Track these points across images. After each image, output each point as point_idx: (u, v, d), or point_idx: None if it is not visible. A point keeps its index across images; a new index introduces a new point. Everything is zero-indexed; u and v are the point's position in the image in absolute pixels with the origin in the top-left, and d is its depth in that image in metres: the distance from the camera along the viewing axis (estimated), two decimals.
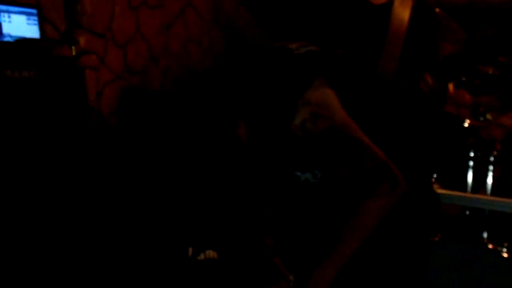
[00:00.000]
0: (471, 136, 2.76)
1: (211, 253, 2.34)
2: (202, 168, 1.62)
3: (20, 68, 2.27)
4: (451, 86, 2.71)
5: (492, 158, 2.71)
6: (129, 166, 3.12)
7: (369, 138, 1.41)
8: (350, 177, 1.39)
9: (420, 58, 2.17)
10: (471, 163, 2.74)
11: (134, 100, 3.29)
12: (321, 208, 1.60)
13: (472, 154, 2.74)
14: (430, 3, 2.23)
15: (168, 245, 2.84)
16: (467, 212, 2.83)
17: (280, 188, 1.68)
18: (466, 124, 2.76)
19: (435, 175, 2.70)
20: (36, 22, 2.55)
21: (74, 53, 2.67)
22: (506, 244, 2.49)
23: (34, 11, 2.54)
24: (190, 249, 2.26)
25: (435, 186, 2.63)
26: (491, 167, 2.70)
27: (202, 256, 2.31)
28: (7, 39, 2.42)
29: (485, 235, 2.68)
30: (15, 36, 2.44)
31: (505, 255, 2.45)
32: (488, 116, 2.77)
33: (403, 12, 2.02)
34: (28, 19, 2.51)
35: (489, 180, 2.71)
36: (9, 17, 2.44)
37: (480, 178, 2.74)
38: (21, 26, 2.48)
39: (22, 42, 2.41)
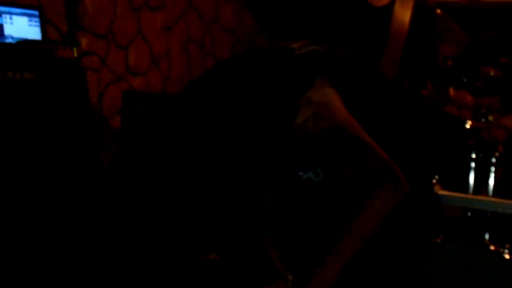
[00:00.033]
0: (472, 138, 2.76)
1: (211, 254, 2.35)
2: (202, 170, 1.61)
3: (22, 69, 2.27)
4: (451, 90, 2.71)
5: (493, 160, 2.70)
6: (130, 168, 3.12)
7: (371, 138, 1.40)
8: (352, 177, 1.39)
9: (420, 60, 2.17)
10: (472, 164, 2.74)
11: (135, 102, 3.29)
12: (323, 207, 1.60)
13: (474, 156, 2.74)
14: (430, 5, 2.23)
15: (169, 245, 2.84)
16: (469, 214, 2.83)
17: (282, 187, 1.67)
18: (467, 126, 2.75)
19: (436, 177, 2.70)
20: (37, 23, 2.55)
21: (75, 54, 2.67)
22: (508, 246, 2.49)
23: (35, 12, 2.55)
24: (192, 250, 2.26)
25: (437, 188, 2.63)
26: (492, 169, 2.70)
27: (203, 257, 2.32)
28: (8, 40, 2.42)
29: (487, 236, 2.68)
30: (16, 38, 2.44)
31: (507, 256, 2.44)
32: (490, 118, 2.76)
33: (403, 14, 2.02)
34: (30, 21, 2.52)
35: (491, 181, 2.71)
36: (10, 18, 2.44)
37: (482, 179, 2.74)
38: (23, 27, 2.49)
39: (24, 43, 2.41)
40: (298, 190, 1.61)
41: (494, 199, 2.64)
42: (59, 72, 2.45)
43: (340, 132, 1.40)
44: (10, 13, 2.44)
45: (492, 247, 2.48)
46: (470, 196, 2.71)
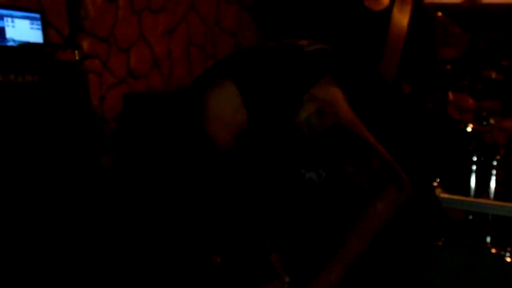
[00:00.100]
0: (474, 141, 2.76)
1: (215, 257, 2.35)
2: (203, 172, 1.61)
3: (24, 72, 2.28)
4: (451, 93, 2.71)
5: (495, 163, 2.70)
6: (131, 170, 3.13)
7: (375, 139, 1.39)
8: (356, 178, 1.38)
9: (419, 64, 2.17)
10: (474, 167, 2.74)
11: (136, 105, 3.29)
12: (325, 208, 1.59)
13: (475, 159, 2.74)
14: (428, 9, 2.24)
15: (169, 246, 2.85)
16: (470, 217, 2.82)
17: (284, 186, 1.66)
18: (469, 129, 2.75)
19: (438, 180, 2.70)
20: (39, 26, 2.55)
21: (77, 57, 2.67)
22: (509, 249, 2.48)
23: (37, 15, 2.55)
24: (195, 253, 2.26)
25: (438, 191, 2.63)
26: (494, 172, 2.70)
27: (206, 259, 2.32)
28: (10, 43, 2.43)
29: (488, 239, 2.68)
30: (18, 41, 2.44)
31: (508, 259, 2.44)
32: (491, 121, 2.76)
33: (402, 19, 2.02)
34: (32, 24, 2.52)
35: (492, 184, 2.71)
36: (12, 21, 2.45)
37: (483, 182, 2.74)
38: (25, 30, 2.49)
39: (26, 46, 2.41)
40: (300, 191, 1.61)
41: (495, 202, 2.64)
42: (61, 75, 2.46)
43: (344, 130, 1.39)
44: (12, 16, 2.45)
45: (493, 250, 2.47)
46: (472, 199, 2.71)
